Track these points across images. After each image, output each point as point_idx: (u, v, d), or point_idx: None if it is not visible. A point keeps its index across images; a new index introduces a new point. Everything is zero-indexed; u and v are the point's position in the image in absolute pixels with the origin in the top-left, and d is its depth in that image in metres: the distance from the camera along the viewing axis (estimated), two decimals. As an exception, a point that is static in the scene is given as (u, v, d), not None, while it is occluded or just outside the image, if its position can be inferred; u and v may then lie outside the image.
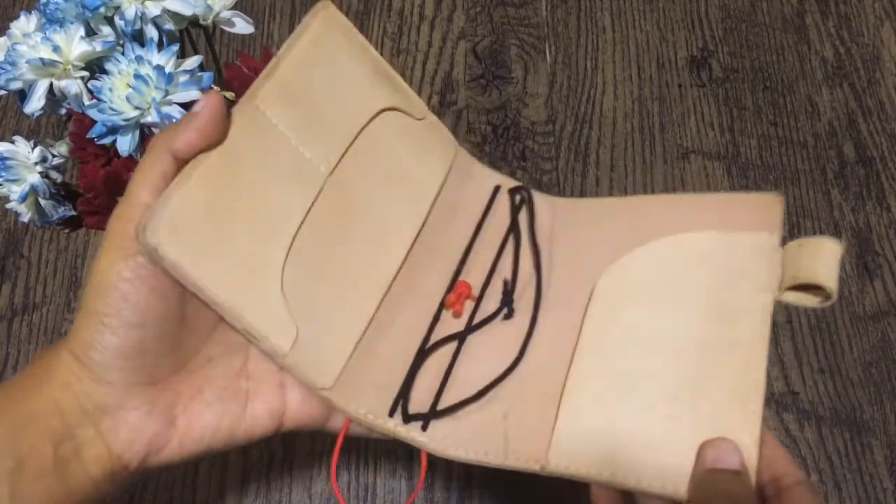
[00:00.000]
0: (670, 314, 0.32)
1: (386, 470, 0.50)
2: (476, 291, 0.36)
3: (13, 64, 0.34)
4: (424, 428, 0.32)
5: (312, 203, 0.31)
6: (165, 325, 0.27)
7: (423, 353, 0.34)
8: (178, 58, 0.35)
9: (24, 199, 0.37)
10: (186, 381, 0.29)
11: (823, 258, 0.29)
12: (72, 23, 0.34)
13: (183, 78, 0.34)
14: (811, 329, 0.55)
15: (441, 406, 0.32)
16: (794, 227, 0.58)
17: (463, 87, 0.63)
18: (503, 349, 0.34)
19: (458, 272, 0.37)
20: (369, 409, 0.32)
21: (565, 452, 0.30)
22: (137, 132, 0.34)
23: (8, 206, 0.38)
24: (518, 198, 0.38)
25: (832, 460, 0.50)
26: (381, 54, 0.35)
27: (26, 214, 0.38)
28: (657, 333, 0.32)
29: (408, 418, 0.32)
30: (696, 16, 0.65)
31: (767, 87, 0.62)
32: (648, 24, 0.65)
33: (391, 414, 0.33)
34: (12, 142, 0.37)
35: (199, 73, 0.35)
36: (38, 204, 0.38)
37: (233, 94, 0.38)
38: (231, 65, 0.39)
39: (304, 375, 0.31)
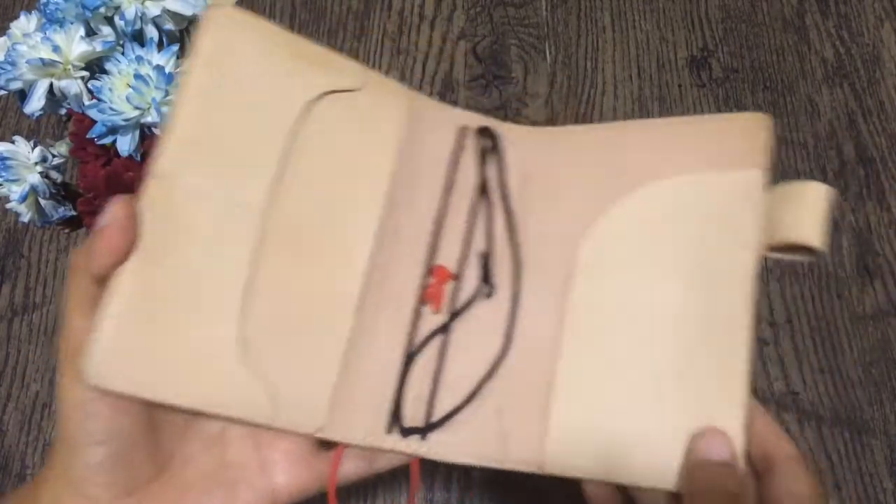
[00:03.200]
0: (652, 282, 0.30)
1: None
2: (456, 267, 0.33)
3: (13, 64, 0.34)
4: (423, 438, 0.31)
5: (250, 251, 0.29)
6: (133, 436, 0.27)
7: (410, 358, 0.32)
8: (178, 58, 0.35)
9: (24, 199, 0.37)
10: (169, 485, 0.29)
11: (807, 208, 0.26)
12: (72, 23, 0.34)
13: (183, 78, 0.34)
14: (811, 329, 0.55)
15: (435, 417, 0.31)
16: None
17: (463, 87, 0.63)
18: (490, 334, 0.32)
19: (432, 253, 0.33)
20: (367, 432, 0.31)
21: (561, 453, 0.29)
22: (137, 132, 0.34)
23: (8, 206, 0.38)
24: (485, 145, 0.34)
25: (832, 460, 0.50)
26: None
27: (26, 214, 0.38)
28: (642, 307, 0.30)
29: (405, 432, 0.31)
30: (696, 16, 0.65)
31: (767, 87, 0.62)
32: (648, 24, 0.65)
33: (389, 430, 0.31)
34: (12, 142, 0.37)
35: (199, 73, 0.35)
36: (38, 204, 0.38)
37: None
38: (231, 65, 0.39)
39: (296, 428, 0.29)
